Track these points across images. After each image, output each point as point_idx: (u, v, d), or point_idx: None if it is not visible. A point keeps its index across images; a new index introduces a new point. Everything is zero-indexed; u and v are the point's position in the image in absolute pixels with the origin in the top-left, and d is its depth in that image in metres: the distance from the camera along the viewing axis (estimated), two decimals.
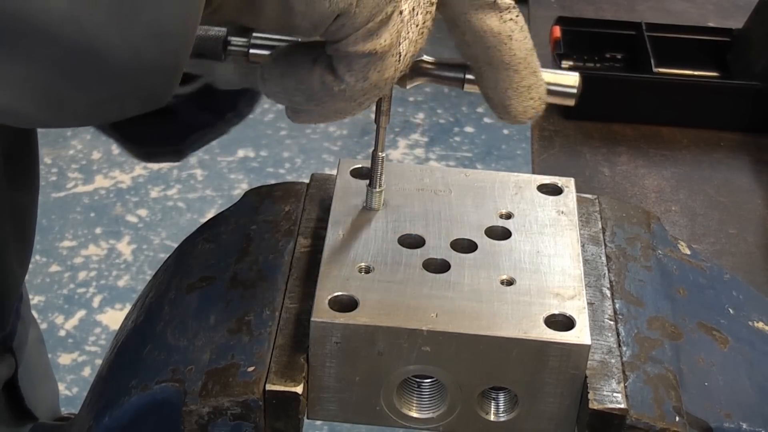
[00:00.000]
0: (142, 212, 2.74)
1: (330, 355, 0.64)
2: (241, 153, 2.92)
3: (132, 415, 0.67)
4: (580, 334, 0.63)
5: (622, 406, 0.63)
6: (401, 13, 0.59)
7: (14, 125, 0.58)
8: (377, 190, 0.72)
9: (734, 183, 1.32)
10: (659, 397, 0.64)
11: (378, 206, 0.73)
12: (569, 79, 0.67)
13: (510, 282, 0.67)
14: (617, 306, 0.70)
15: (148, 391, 0.66)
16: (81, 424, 0.71)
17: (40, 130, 0.99)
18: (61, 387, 2.17)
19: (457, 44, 0.65)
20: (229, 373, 0.64)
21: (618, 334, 0.68)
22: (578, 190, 0.77)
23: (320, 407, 0.66)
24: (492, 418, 0.66)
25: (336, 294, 0.65)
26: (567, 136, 1.38)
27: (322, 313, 0.64)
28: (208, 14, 0.58)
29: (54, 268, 2.57)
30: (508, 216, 0.73)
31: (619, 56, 1.49)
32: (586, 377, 0.64)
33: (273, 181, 1.19)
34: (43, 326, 2.36)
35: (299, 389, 0.63)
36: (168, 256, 0.80)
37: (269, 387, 0.63)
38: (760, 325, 0.75)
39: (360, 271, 0.67)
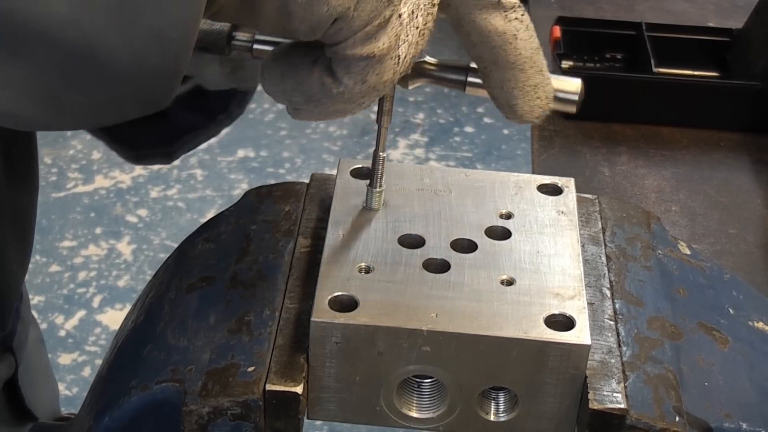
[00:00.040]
0: (142, 212, 2.74)
1: (330, 355, 0.64)
2: (241, 153, 2.92)
3: (132, 415, 0.67)
4: (580, 334, 0.63)
5: (622, 406, 0.63)
6: (400, 16, 0.59)
7: (14, 127, 0.58)
8: (377, 190, 0.72)
9: (734, 183, 1.32)
10: (659, 397, 0.64)
11: (378, 206, 0.73)
12: (571, 84, 0.66)
13: (510, 282, 0.67)
14: (617, 306, 0.70)
15: (148, 391, 0.66)
16: (81, 424, 0.71)
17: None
18: (61, 387, 2.17)
19: (462, 44, 0.65)
20: (229, 373, 0.64)
21: (618, 334, 0.68)
22: (578, 190, 0.77)
23: (320, 407, 0.66)
24: (492, 418, 0.66)
25: (336, 294, 0.65)
26: (567, 136, 1.38)
27: (322, 313, 0.64)
28: (208, 17, 0.58)
29: (54, 268, 2.57)
30: (508, 216, 0.73)
31: (619, 56, 1.49)
32: (586, 377, 0.64)
33: (273, 181, 1.19)
34: (43, 326, 2.36)
35: (299, 389, 0.63)
36: (168, 256, 0.80)
37: (269, 387, 0.63)
38: (760, 325, 0.75)
39: (360, 271, 0.67)
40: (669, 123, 1.41)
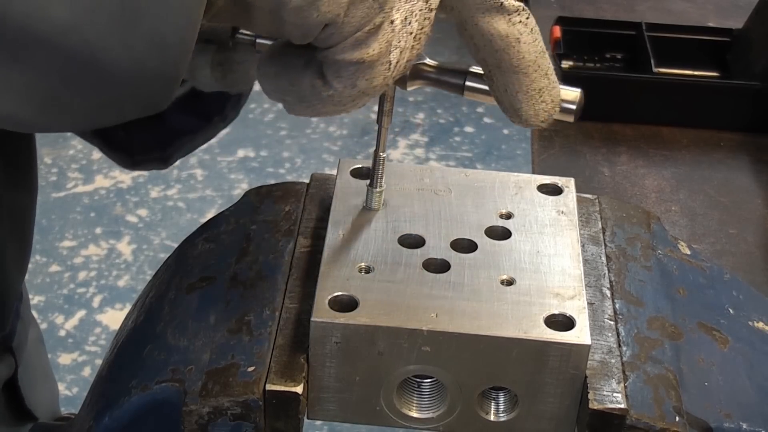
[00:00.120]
0: (142, 212, 2.74)
1: (330, 355, 0.64)
2: (241, 153, 2.92)
3: (132, 415, 0.67)
4: (580, 334, 0.63)
5: (622, 406, 0.63)
6: (392, 22, 0.59)
7: (13, 129, 0.59)
8: (377, 190, 0.72)
9: (734, 183, 1.32)
10: (659, 397, 0.64)
11: (378, 206, 0.73)
12: (569, 94, 0.66)
13: (510, 282, 0.67)
14: (617, 306, 0.70)
15: (148, 391, 0.66)
16: (81, 424, 0.71)
17: None
18: (61, 387, 2.17)
19: (467, 48, 0.65)
20: (229, 373, 0.64)
21: (618, 334, 0.68)
22: (578, 190, 0.77)
23: (320, 407, 0.66)
24: (492, 418, 0.66)
25: (336, 294, 0.65)
26: (567, 136, 1.38)
27: (322, 313, 0.64)
28: (205, 21, 0.58)
29: (54, 268, 2.57)
30: (508, 216, 0.73)
31: (619, 56, 1.49)
32: (586, 377, 0.64)
33: (273, 181, 1.19)
34: (43, 326, 2.36)
35: (299, 389, 0.64)
36: (168, 256, 0.80)
37: (269, 387, 0.63)
38: (760, 325, 0.75)
39: (360, 271, 0.67)
40: (669, 123, 1.41)
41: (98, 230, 2.69)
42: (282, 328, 0.67)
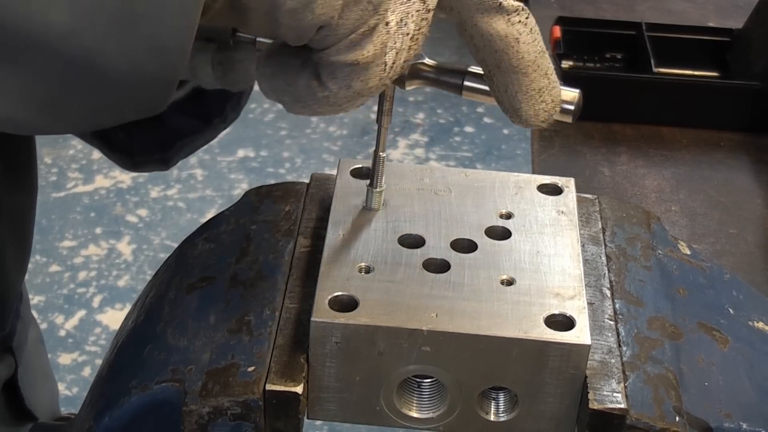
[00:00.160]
0: (142, 212, 2.74)
1: (330, 355, 0.64)
2: (241, 153, 2.92)
3: (132, 415, 0.67)
4: (580, 334, 0.63)
5: (622, 406, 0.63)
6: (387, 24, 0.59)
7: (11, 132, 0.59)
8: (377, 190, 0.72)
9: (734, 183, 1.32)
10: (659, 397, 0.64)
11: (378, 206, 0.73)
12: (567, 94, 0.66)
13: (510, 282, 0.67)
14: (617, 306, 0.70)
15: (148, 391, 0.66)
16: (81, 424, 0.71)
17: None
18: (61, 387, 2.17)
19: (467, 48, 0.65)
20: (229, 373, 0.64)
21: (618, 334, 0.68)
22: (578, 190, 0.77)
23: (320, 407, 0.66)
24: (492, 418, 0.66)
25: (336, 294, 0.65)
26: (567, 136, 1.38)
27: (322, 313, 0.64)
28: (202, 23, 0.58)
29: (54, 268, 2.57)
30: (508, 216, 0.73)
31: (619, 56, 1.49)
32: (586, 377, 0.64)
33: (273, 181, 1.19)
34: (43, 326, 2.36)
35: (299, 389, 0.64)
36: (168, 256, 0.80)
37: (269, 387, 0.63)
38: (760, 325, 0.75)
39: (360, 271, 0.67)
40: (669, 123, 1.41)
41: (98, 230, 2.68)
42: (282, 328, 0.67)
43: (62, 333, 2.41)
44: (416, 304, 0.65)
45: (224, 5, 0.58)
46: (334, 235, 0.70)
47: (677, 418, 0.64)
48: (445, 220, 0.72)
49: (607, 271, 0.73)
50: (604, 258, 0.74)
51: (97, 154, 2.88)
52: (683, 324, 0.71)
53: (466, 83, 0.66)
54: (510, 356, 0.63)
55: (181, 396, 0.65)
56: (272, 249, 0.73)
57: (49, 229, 2.66)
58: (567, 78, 1.01)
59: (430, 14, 0.61)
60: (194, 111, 0.88)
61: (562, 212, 0.74)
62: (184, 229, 2.58)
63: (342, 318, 0.64)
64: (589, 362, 0.64)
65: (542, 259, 0.69)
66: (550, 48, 1.45)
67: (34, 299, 2.45)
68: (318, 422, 1.80)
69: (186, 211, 2.74)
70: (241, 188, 2.76)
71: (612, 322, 0.69)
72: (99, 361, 1.78)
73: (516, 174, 0.77)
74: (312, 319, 0.64)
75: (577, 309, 0.65)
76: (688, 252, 0.79)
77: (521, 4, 0.63)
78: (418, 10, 0.60)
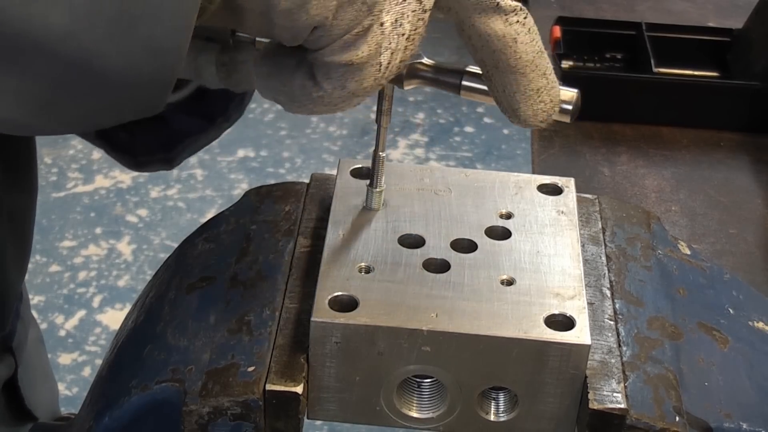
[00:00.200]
0: (142, 212, 2.74)
1: (330, 355, 0.64)
2: (241, 153, 2.92)
3: (132, 415, 0.67)
4: (580, 334, 0.63)
5: (622, 406, 0.63)
6: (382, 24, 0.59)
7: (8, 133, 0.59)
8: (377, 190, 0.72)
9: (734, 183, 1.32)
10: (659, 397, 0.64)
11: (378, 206, 0.73)
12: (565, 94, 0.66)
13: (510, 282, 0.67)
14: (617, 306, 0.70)
15: (148, 391, 0.66)
16: (81, 424, 0.71)
17: None
18: (61, 387, 2.17)
19: (466, 48, 0.65)
20: (229, 373, 0.64)
21: (618, 334, 0.68)
22: (578, 190, 0.77)
23: (320, 407, 0.66)
24: (492, 418, 0.66)
25: (336, 294, 0.65)
26: (567, 136, 1.38)
27: (322, 313, 0.64)
28: (198, 24, 0.58)
29: (54, 268, 2.57)
30: (508, 216, 0.73)
31: (619, 56, 1.49)
32: (586, 377, 0.64)
33: (273, 181, 1.19)
34: (43, 326, 2.36)
35: (299, 389, 0.64)
36: (168, 256, 0.80)
37: (269, 387, 0.63)
38: (760, 325, 0.75)
39: (360, 271, 0.67)
40: (669, 123, 1.41)
41: (98, 230, 2.68)
42: (282, 328, 0.67)
43: (62, 333, 2.41)
44: (416, 304, 0.65)
45: (220, 6, 0.58)
46: (334, 235, 0.70)
47: (677, 418, 0.64)
48: (445, 220, 0.72)
49: (607, 271, 0.73)
50: (604, 258, 0.74)
51: (97, 154, 2.88)
52: (683, 324, 0.71)
53: (465, 83, 0.66)
54: (510, 356, 0.63)
55: (181, 396, 0.65)
56: (272, 249, 0.73)
57: (49, 229, 2.66)
58: (567, 78, 1.02)
59: (427, 14, 0.61)
60: (197, 111, 0.89)
61: (562, 212, 0.74)
62: (184, 229, 2.58)
63: (342, 318, 0.64)
64: (589, 362, 0.64)
65: (542, 259, 0.69)
66: (550, 48, 1.45)
67: (34, 299, 2.45)
68: (318, 422, 1.80)
69: (186, 211, 2.74)
70: (241, 188, 2.76)
71: (612, 322, 0.69)
72: (99, 361, 1.78)
73: (516, 174, 0.77)
74: (312, 319, 0.64)
75: (577, 309, 0.65)
76: (688, 252, 0.79)
77: (519, 4, 0.63)
78: (414, 11, 0.60)
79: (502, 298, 0.66)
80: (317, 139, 2.98)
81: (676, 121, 1.41)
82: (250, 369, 0.64)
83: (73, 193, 2.80)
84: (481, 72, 0.65)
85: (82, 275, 2.56)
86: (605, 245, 0.75)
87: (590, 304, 0.69)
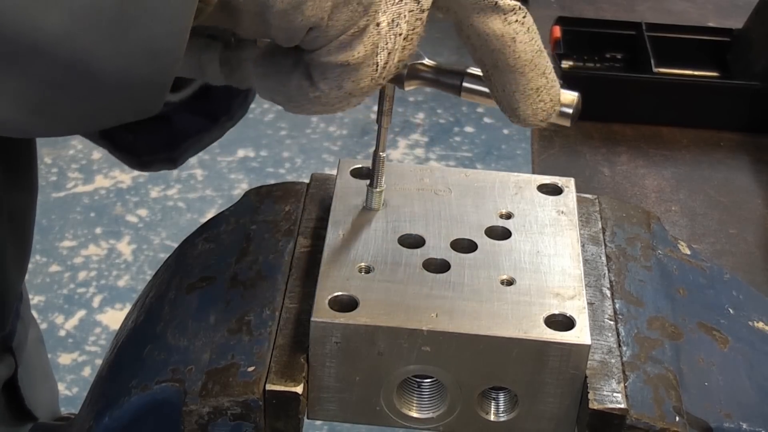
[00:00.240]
0: (142, 212, 2.74)
1: (330, 355, 0.64)
2: (241, 153, 2.92)
3: (132, 415, 0.67)
4: (580, 334, 0.63)
5: (622, 406, 0.63)
6: (378, 25, 0.59)
7: (6, 135, 0.59)
8: (377, 190, 0.72)
9: (734, 183, 1.32)
10: (659, 397, 0.64)
11: (378, 206, 0.73)
12: (566, 97, 0.66)
13: (510, 282, 0.67)
14: (617, 306, 0.70)
15: (148, 391, 0.66)
16: (81, 424, 0.71)
17: None
18: (61, 387, 2.17)
19: (465, 48, 0.65)
20: (229, 373, 0.64)
21: (618, 334, 0.68)
22: (578, 190, 0.77)
23: (320, 407, 0.66)
24: (492, 418, 0.66)
25: (336, 294, 0.65)
26: (567, 136, 1.38)
27: (322, 313, 0.64)
28: (195, 25, 0.58)
29: (54, 268, 2.57)
30: (508, 216, 0.73)
31: (619, 56, 1.49)
32: (586, 377, 0.64)
33: (273, 181, 1.19)
34: (43, 326, 2.36)
35: (299, 389, 0.64)
36: (168, 256, 0.80)
37: (269, 387, 0.63)
38: (760, 325, 0.75)
39: (360, 271, 0.67)
40: (669, 123, 1.41)
41: (98, 230, 2.69)
42: (282, 328, 0.67)
43: (62, 333, 2.41)
44: (416, 304, 0.65)
45: (216, 8, 0.58)
46: (334, 235, 0.70)
47: (677, 418, 0.64)
48: (445, 220, 0.72)
49: (607, 271, 0.73)
50: (604, 258, 0.74)
51: (97, 154, 2.88)
52: (683, 324, 0.71)
53: (465, 84, 0.66)
54: (510, 356, 0.63)
55: (181, 396, 0.65)
56: (272, 249, 0.73)
57: (49, 229, 2.66)
58: (567, 78, 1.01)
59: (425, 14, 0.61)
60: (201, 110, 0.89)
61: (562, 212, 0.74)
62: (184, 229, 2.58)
63: (342, 318, 0.64)
64: (589, 362, 0.64)
65: (542, 259, 0.69)
66: (549, 48, 1.45)
67: (34, 299, 2.45)
68: (318, 422, 1.80)
69: (186, 211, 2.74)
70: (241, 188, 2.76)
71: (612, 322, 0.69)
72: (99, 361, 1.78)
73: (516, 174, 0.77)
74: (312, 319, 0.64)
75: (577, 309, 0.65)
76: (688, 252, 0.79)
77: (518, 4, 0.63)
78: (411, 11, 0.60)
79: (502, 298, 0.66)
80: (317, 139, 2.98)
81: (676, 121, 1.41)
82: (250, 369, 0.64)
83: (73, 193, 2.80)
84: (481, 73, 0.65)
85: (82, 275, 2.56)
86: (605, 245, 0.75)
87: (590, 304, 0.69)
